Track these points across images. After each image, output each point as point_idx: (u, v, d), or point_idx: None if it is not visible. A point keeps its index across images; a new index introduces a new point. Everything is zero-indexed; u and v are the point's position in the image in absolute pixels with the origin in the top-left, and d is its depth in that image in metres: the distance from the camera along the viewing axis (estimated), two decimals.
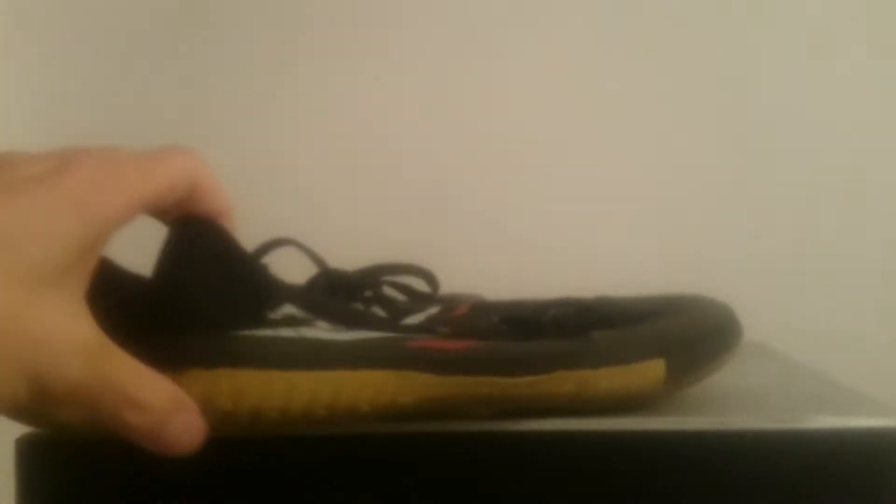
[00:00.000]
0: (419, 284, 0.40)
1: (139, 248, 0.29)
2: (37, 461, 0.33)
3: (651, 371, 0.35)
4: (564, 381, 0.34)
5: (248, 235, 0.32)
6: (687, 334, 0.36)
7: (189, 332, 0.29)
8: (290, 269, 0.35)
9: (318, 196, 0.62)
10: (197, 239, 0.30)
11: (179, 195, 0.30)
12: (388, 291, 0.39)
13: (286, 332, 0.31)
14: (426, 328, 0.36)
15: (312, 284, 0.37)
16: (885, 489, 0.33)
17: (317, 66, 0.63)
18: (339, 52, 0.63)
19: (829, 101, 0.62)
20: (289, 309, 0.33)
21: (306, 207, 0.62)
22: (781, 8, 0.62)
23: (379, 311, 0.37)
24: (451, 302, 0.39)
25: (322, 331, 0.33)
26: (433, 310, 0.39)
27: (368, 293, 0.38)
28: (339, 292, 0.37)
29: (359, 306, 0.37)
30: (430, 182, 0.62)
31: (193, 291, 0.29)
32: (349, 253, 0.38)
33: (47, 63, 0.63)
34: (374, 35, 0.63)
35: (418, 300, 0.39)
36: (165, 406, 0.28)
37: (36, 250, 0.25)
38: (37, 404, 0.26)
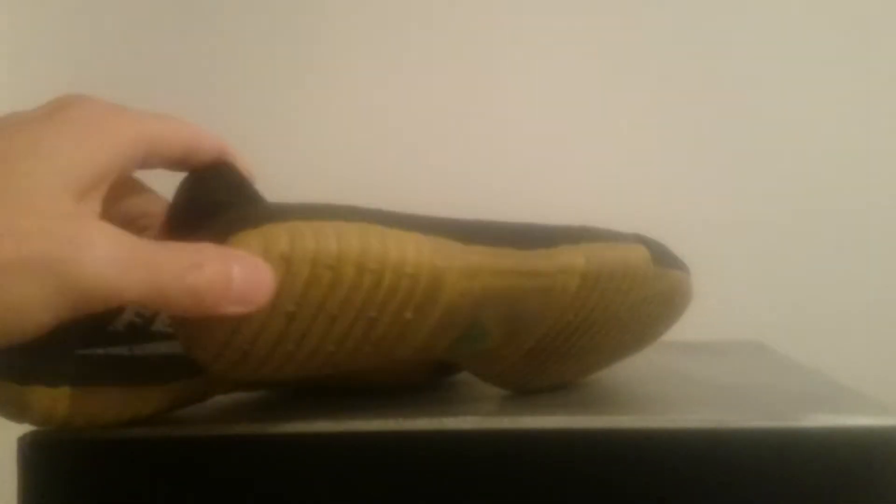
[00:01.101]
0: None
1: None
2: (38, 460, 0.33)
3: (641, 253, 0.37)
4: (573, 254, 0.35)
5: None
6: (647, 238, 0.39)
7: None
8: None
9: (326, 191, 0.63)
10: (210, 177, 0.31)
11: (175, 148, 0.31)
12: None
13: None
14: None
15: None
16: (884, 488, 0.33)
17: (330, 61, 0.64)
18: (352, 47, 0.63)
19: (834, 107, 0.62)
20: None
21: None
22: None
23: None
24: None
25: None
26: None
27: None
28: None
29: None
30: (445, 176, 0.62)
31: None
32: None
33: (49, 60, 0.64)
34: (389, 31, 0.63)
35: None
36: (222, 258, 0.28)
37: (70, 180, 0.26)
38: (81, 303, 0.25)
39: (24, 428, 0.33)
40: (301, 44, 0.64)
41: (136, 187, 0.34)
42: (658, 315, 0.39)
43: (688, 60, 0.62)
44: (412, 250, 0.31)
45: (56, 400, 0.31)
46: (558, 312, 0.36)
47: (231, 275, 0.28)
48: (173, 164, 0.32)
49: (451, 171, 0.62)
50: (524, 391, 0.39)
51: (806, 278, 0.61)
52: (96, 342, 0.32)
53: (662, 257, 0.39)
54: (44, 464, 0.33)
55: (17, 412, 0.31)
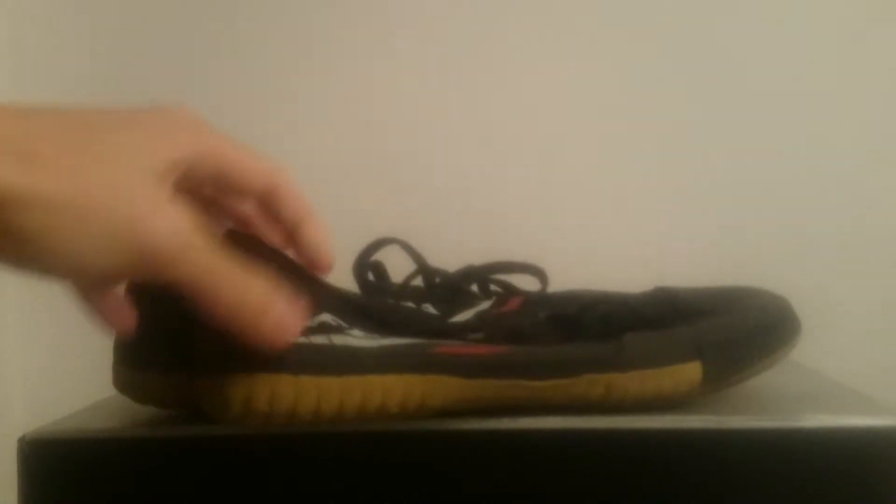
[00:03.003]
0: (530, 282, 0.39)
1: None
2: (38, 460, 0.33)
3: (686, 374, 0.34)
4: (593, 385, 0.34)
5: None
6: (728, 335, 0.36)
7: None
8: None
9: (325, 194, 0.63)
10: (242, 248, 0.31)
11: (257, 184, 0.33)
12: (494, 288, 0.39)
13: (318, 340, 0.31)
14: (461, 330, 0.36)
15: (406, 282, 0.38)
16: (884, 488, 0.33)
17: (328, 64, 0.64)
18: (353, 49, 0.63)
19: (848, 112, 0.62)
20: (324, 317, 0.33)
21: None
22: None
23: (430, 309, 0.38)
24: (503, 296, 0.39)
25: (353, 338, 0.33)
26: (485, 305, 0.38)
27: (473, 288, 0.39)
28: (435, 290, 0.38)
29: (427, 306, 0.38)
30: (441, 181, 0.62)
31: None
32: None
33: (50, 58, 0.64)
34: (388, 33, 0.63)
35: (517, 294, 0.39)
36: (267, 290, 0.30)
37: (153, 161, 0.29)
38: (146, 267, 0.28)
39: (25, 428, 0.33)
40: (300, 46, 0.64)
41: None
42: None
43: (688, 64, 0.62)
44: (399, 396, 0.32)
45: (289, 387, 0.31)
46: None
47: (276, 304, 0.30)
48: (215, 185, 0.33)
49: (452, 174, 0.62)
50: None
51: (805, 279, 0.61)
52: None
53: (725, 368, 0.35)
54: (44, 464, 0.33)
55: (241, 402, 0.30)
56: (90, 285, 0.31)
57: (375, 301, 0.35)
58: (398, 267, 0.39)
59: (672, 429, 0.33)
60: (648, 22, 0.62)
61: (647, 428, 0.33)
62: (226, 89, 0.64)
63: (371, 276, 0.38)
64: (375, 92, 0.63)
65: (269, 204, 0.34)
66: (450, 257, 0.40)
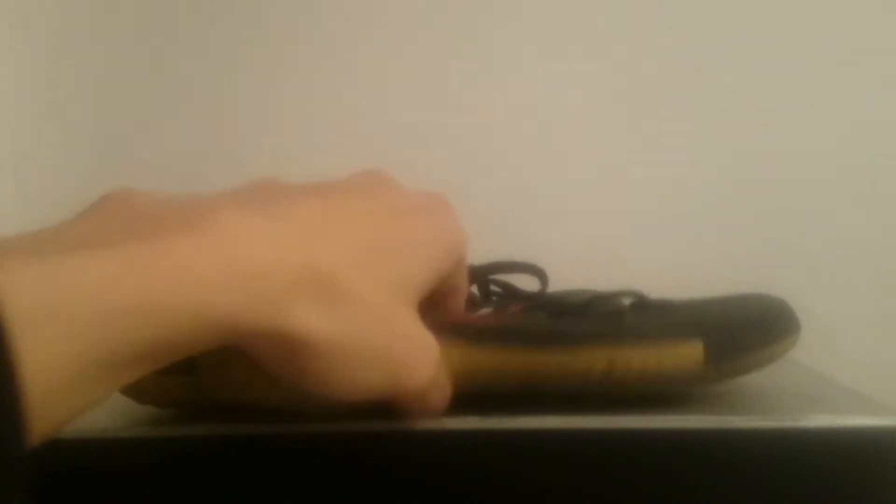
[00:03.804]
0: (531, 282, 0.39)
1: None
2: (39, 460, 0.33)
3: (688, 352, 0.34)
4: (595, 358, 0.34)
5: None
6: (728, 319, 0.35)
7: None
8: None
9: None
10: None
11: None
12: (494, 289, 0.39)
13: None
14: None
15: None
16: (884, 489, 0.33)
17: (326, 64, 0.64)
18: (350, 49, 0.63)
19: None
20: None
21: None
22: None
23: None
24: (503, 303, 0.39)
25: None
26: (486, 311, 0.39)
27: (473, 289, 0.38)
28: None
29: None
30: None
31: None
32: None
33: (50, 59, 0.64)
34: (386, 32, 0.63)
35: (519, 298, 0.39)
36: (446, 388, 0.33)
37: (416, 269, 0.30)
38: (385, 393, 0.29)
39: None
40: (300, 42, 0.64)
41: None
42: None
43: (693, 66, 0.62)
44: None
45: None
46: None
47: (430, 392, 0.31)
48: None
49: (453, 169, 0.62)
50: None
51: (805, 278, 0.61)
52: None
53: (726, 349, 0.35)
54: (44, 464, 0.33)
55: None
56: None
57: None
58: None
59: (672, 429, 0.33)
60: (651, 22, 0.62)
61: (647, 428, 0.33)
62: (225, 89, 0.64)
63: None
64: (374, 92, 0.63)
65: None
66: None
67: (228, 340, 0.25)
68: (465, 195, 0.64)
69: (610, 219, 0.63)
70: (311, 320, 0.26)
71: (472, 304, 0.38)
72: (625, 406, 0.34)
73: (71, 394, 0.22)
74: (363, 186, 0.31)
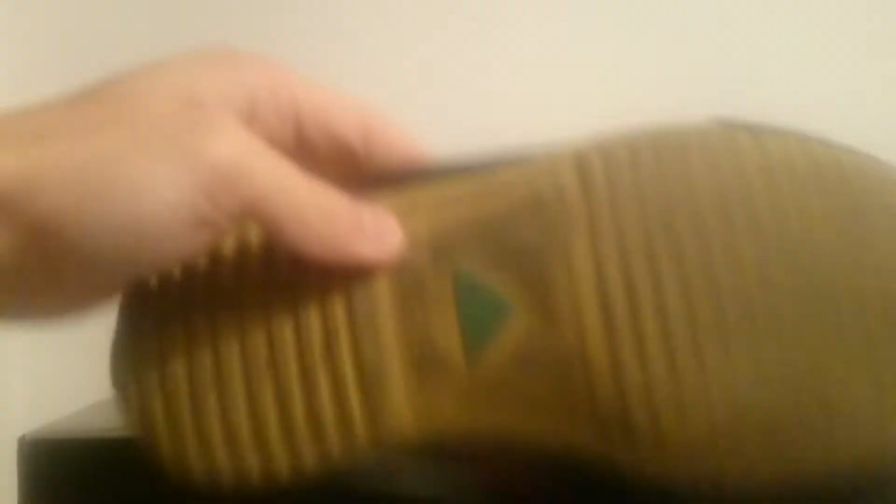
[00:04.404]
0: None
1: None
2: (39, 460, 0.33)
3: (697, 128, 0.28)
4: (558, 158, 0.27)
5: None
6: None
7: None
8: None
9: None
10: None
11: (348, 124, 0.27)
12: None
13: None
14: None
15: None
16: (885, 490, 0.33)
17: (321, 61, 0.63)
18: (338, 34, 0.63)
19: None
20: None
21: None
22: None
23: None
24: None
25: None
26: None
27: None
28: None
29: None
30: None
31: None
32: None
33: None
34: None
35: None
36: (347, 204, 0.24)
37: (199, 95, 0.24)
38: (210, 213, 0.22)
39: (25, 428, 0.33)
40: (300, 45, 0.64)
41: None
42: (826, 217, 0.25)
43: (697, 67, 0.62)
44: None
45: None
46: (586, 238, 0.25)
47: (360, 211, 0.24)
48: (294, 123, 0.27)
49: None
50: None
51: None
52: None
53: (759, 127, 0.27)
54: (44, 464, 0.33)
55: None
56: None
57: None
58: None
59: None
60: (655, 22, 0.62)
61: None
62: None
63: None
64: (374, 90, 0.63)
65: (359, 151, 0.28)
66: None
67: None
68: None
69: None
70: (8, 161, 0.20)
71: None
72: None
73: None
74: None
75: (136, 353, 0.27)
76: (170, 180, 0.21)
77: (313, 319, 0.26)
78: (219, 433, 0.26)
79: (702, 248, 0.25)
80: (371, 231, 0.24)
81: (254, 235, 0.26)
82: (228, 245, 0.26)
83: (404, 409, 0.25)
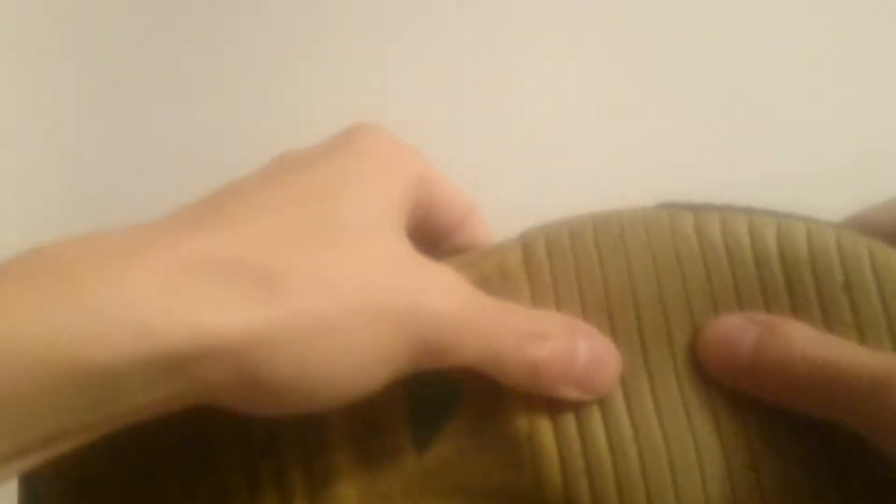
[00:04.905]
0: None
1: None
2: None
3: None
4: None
5: None
6: None
7: None
8: None
9: None
10: None
11: (458, 214, 0.28)
12: None
13: None
14: None
15: None
16: None
17: (320, 64, 0.64)
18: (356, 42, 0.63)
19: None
20: None
21: None
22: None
23: None
24: None
25: None
26: None
27: None
28: None
29: None
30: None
31: None
32: None
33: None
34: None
35: None
36: (568, 330, 0.25)
37: (380, 199, 0.24)
38: (419, 362, 0.23)
39: None
40: (300, 44, 0.64)
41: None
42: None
43: (695, 59, 0.62)
44: None
45: None
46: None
47: (577, 351, 0.25)
48: (423, 211, 0.28)
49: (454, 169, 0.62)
50: None
51: None
52: None
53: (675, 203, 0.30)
54: (43, 464, 0.33)
55: None
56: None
57: None
58: None
59: None
60: (655, 22, 0.62)
61: None
62: (226, 87, 0.64)
63: None
64: (376, 91, 0.63)
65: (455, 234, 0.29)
66: None
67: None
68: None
69: None
70: (246, 313, 0.20)
71: None
72: None
73: None
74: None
75: None
76: (390, 354, 0.22)
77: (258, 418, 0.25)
78: None
79: (636, 325, 0.26)
80: (581, 374, 0.25)
81: None
82: None
83: (352, 502, 0.25)
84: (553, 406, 0.25)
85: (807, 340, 0.24)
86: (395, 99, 0.64)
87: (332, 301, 0.21)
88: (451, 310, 0.23)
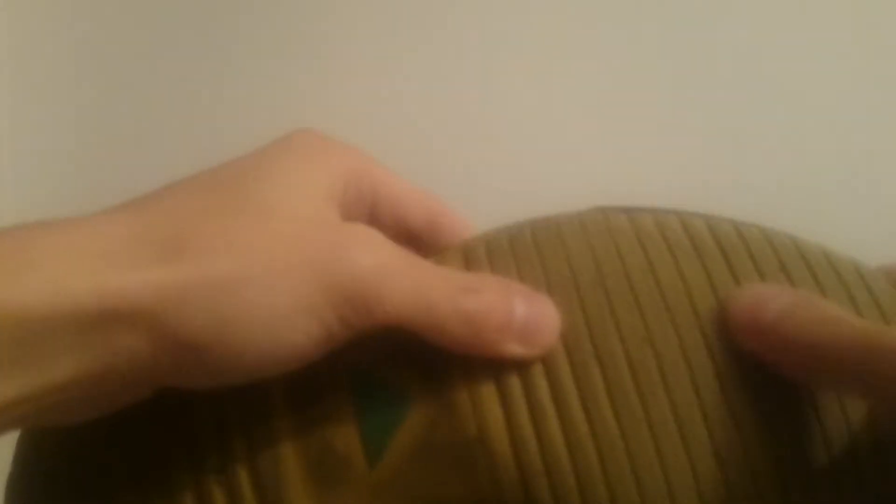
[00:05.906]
0: None
1: None
2: (37, 460, 0.33)
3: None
4: None
5: None
6: None
7: None
8: None
9: None
10: None
11: (418, 212, 0.29)
12: None
13: None
14: None
15: None
16: None
17: (319, 64, 0.64)
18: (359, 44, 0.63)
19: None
20: None
21: None
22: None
23: None
24: None
25: None
26: None
27: None
28: None
29: None
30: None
31: None
32: None
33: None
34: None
35: None
36: (502, 287, 0.25)
37: (312, 187, 0.25)
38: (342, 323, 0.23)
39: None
40: (301, 44, 0.64)
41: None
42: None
43: (696, 62, 0.62)
44: None
45: None
46: None
47: (513, 304, 0.25)
48: (367, 207, 0.29)
49: (453, 170, 0.62)
50: None
51: None
52: None
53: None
54: (42, 462, 0.33)
55: None
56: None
57: None
58: None
59: None
60: (655, 22, 0.62)
61: None
62: (226, 87, 0.64)
63: None
64: (377, 91, 0.63)
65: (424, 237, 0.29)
66: None
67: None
68: (465, 196, 0.64)
69: None
70: (150, 276, 0.21)
71: None
72: None
73: None
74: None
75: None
76: (308, 303, 0.22)
77: (208, 434, 0.26)
78: None
79: (585, 321, 0.26)
80: (520, 328, 0.24)
81: None
82: None
83: None
84: (507, 406, 0.25)
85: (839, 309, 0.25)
86: (395, 98, 0.64)
87: (243, 258, 0.22)
88: (372, 262, 0.23)
